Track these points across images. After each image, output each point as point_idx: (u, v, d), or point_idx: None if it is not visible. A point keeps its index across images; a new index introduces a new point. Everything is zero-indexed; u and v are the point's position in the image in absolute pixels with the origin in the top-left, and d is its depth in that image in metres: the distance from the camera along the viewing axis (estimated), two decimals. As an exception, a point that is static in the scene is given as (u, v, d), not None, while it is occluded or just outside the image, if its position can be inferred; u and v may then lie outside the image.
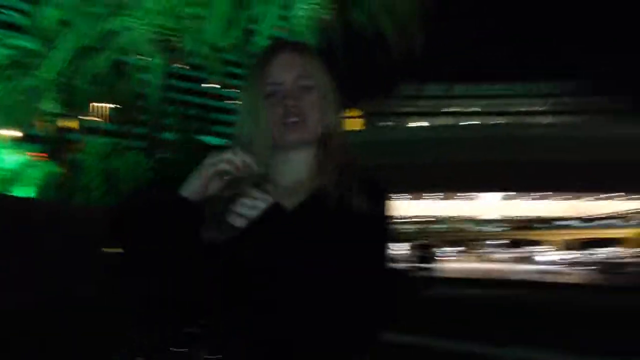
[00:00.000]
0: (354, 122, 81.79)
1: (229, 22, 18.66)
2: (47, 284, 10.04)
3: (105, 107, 26.92)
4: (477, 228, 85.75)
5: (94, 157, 11.60)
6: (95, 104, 27.10)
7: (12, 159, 13.51)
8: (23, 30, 23.21)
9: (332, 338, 1.29)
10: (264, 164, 1.33)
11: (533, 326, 9.33)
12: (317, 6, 17.81)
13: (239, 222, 1.24)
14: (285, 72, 1.40)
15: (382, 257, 1.36)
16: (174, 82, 61.60)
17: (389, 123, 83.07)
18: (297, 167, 1.43)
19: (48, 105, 24.33)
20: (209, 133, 32.48)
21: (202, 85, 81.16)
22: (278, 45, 1.46)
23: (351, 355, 1.32)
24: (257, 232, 1.27)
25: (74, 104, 26.66)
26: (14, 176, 12.79)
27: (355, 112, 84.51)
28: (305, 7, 17.69)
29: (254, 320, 1.32)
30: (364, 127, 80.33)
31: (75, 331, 7.30)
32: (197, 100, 74.97)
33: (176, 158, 17.28)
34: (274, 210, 1.28)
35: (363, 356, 1.34)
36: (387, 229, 1.40)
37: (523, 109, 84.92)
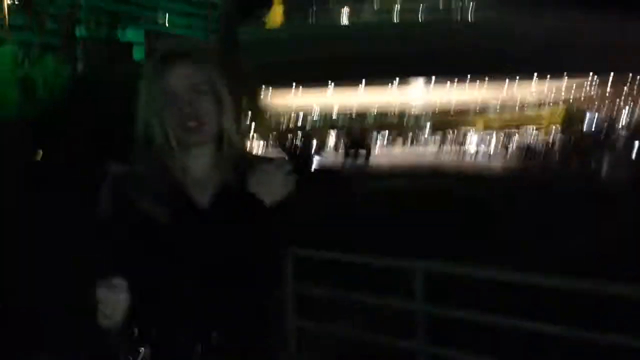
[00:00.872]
0: (278, 16, 79.63)
1: None
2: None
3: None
4: (404, 116, 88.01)
5: (5, 66, 11.03)
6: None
7: None
8: None
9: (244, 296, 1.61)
10: (171, 160, 1.59)
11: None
12: None
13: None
14: (180, 82, 1.58)
15: (278, 238, 1.62)
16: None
17: (311, 12, 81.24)
18: (201, 164, 1.64)
19: None
20: (126, 28, 30.72)
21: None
22: (172, 57, 1.63)
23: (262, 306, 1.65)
24: (176, 227, 1.55)
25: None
26: None
27: (279, 6, 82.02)
28: None
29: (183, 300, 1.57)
30: (286, 21, 78.46)
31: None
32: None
33: (97, 64, 16.53)
34: (188, 206, 1.60)
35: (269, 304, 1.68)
36: (282, 211, 1.61)
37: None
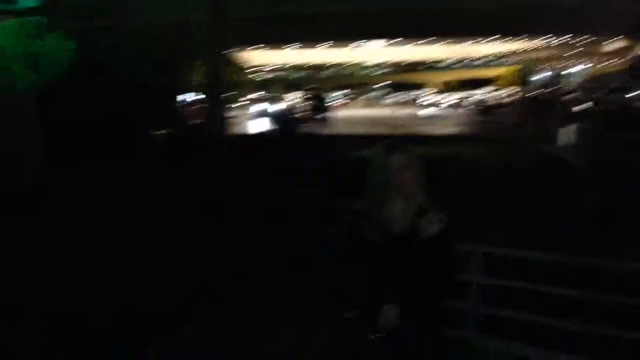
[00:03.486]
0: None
1: None
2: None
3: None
4: (362, 73, 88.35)
5: (9, 40, 10.97)
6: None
7: None
8: None
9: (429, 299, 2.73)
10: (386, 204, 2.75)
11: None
12: None
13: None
14: (401, 164, 2.69)
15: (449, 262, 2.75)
16: None
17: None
18: (399, 208, 2.75)
19: None
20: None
21: None
22: (394, 147, 2.74)
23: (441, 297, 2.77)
24: (382, 243, 2.77)
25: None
26: None
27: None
28: None
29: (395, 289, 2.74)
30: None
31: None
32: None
33: (106, 39, 16.26)
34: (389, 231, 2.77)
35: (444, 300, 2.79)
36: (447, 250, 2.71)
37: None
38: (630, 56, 76.88)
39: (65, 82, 11.56)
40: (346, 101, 71.86)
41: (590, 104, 38.25)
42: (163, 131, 17.16)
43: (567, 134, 18.42)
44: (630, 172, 13.15)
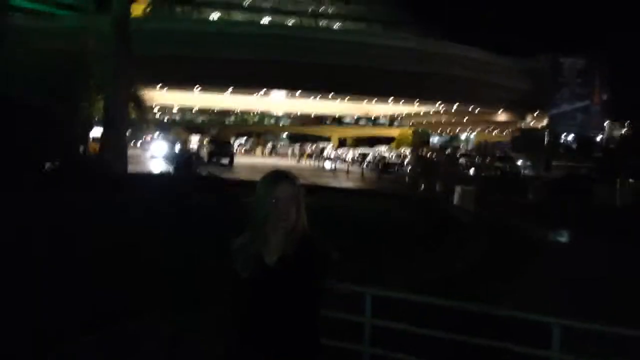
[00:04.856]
0: (141, 7, 76.72)
1: None
2: None
3: None
4: (265, 122, 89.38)
5: None
6: None
7: None
8: None
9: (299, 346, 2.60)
10: (261, 238, 2.62)
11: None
12: None
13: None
14: (284, 193, 2.60)
15: (317, 302, 2.67)
16: None
17: (179, 11, 79.37)
18: (278, 239, 2.62)
19: None
20: None
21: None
22: (280, 176, 2.66)
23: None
24: (253, 281, 2.62)
25: None
26: None
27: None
28: None
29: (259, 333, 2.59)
30: (153, 15, 75.98)
31: None
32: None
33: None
34: (262, 267, 2.62)
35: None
36: (324, 285, 2.67)
37: (312, 11, 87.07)
38: (513, 128, 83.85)
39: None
40: (249, 147, 72.13)
41: (476, 168, 41.00)
42: (55, 162, 16.37)
43: (456, 194, 19.54)
44: (508, 228, 14.43)
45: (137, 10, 73.89)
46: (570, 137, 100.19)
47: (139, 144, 52.21)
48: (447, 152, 61.92)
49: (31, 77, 15.90)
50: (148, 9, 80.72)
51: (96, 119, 23.41)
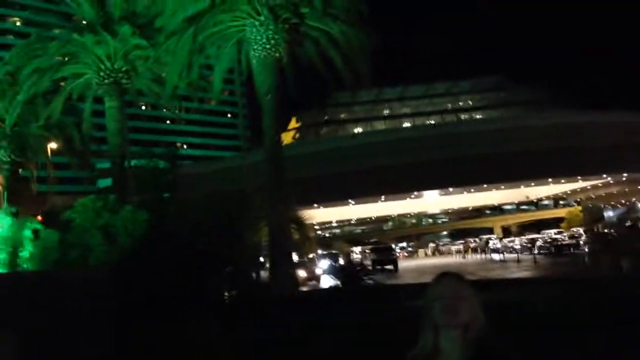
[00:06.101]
0: (290, 135, 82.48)
1: (188, 65, 19.36)
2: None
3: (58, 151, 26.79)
4: (423, 223, 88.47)
5: (87, 215, 11.83)
6: (50, 150, 26.92)
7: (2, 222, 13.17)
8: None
9: None
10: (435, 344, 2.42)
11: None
12: (268, 47, 18.71)
13: None
14: (450, 292, 2.42)
15: None
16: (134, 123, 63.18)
17: (326, 131, 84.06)
18: (450, 346, 2.40)
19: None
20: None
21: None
22: (444, 275, 2.52)
23: None
24: None
25: (28, 152, 26.47)
26: (13, 242, 12.55)
27: (294, 124, 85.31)
28: (258, 48, 18.54)
29: None
30: (301, 139, 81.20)
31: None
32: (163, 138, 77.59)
33: (173, 210, 17.27)
34: None
35: None
36: None
37: (452, 107, 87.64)
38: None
39: (137, 251, 12.12)
40: (410, 251, 71.36)
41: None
42: (231, 293, 17.33)
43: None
44: None
45: (287, 138, 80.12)
46: None
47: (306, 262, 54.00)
48: (627, 225, 56.25)
49: (201, 218, 17.32)
50: (297, 135, 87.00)
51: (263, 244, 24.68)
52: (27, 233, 12.56)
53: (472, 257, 48.62)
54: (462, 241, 63.72)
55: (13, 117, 22.17)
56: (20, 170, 25.73)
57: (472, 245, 56.67)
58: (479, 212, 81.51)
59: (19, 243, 12.51)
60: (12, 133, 23.66)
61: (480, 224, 79.16)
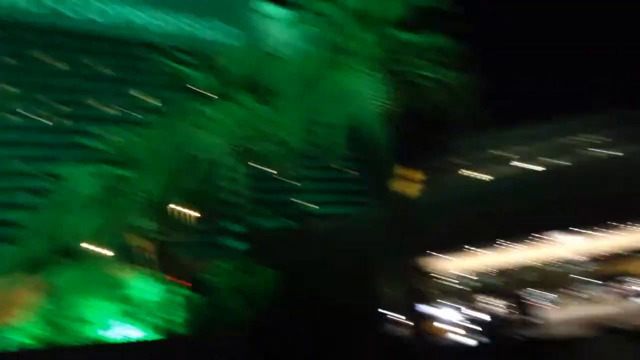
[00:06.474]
0: (412, 187, 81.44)
1: (301, 124, 20.02)
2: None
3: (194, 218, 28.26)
4: (564, 270, 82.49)
5: (224, 276, 12.21)
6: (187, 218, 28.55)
7: (154, 289, 13.91)
8: (114, 162, 25.34)
9: None
10: None
11: None
12: (380, 99, 19.00)
13: None
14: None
15: None
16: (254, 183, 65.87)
17: (448, 178, 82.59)
18: None
19: (145, 223, 25.99)
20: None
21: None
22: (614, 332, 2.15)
23: None
24: None
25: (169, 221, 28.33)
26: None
27: (416, 174, 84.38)
28: (375, 103, 18.89)
29: None
30: (424, 188, 79.97)
31: None
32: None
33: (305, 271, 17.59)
34: None
35: None
36: None
37: (581, 143, 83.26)
38: None
39: (270, 311, 12.20)
40: (555, 299, 66.53)
41: None
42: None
43: None
44: None
45: (411, 189, 79.34)
46: None
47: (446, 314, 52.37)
48: None
49: (336, 275, 17.31)
50: (420, 186, 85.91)
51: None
52: (179, 299, 13.14)
53: (628, 303, 44.61)
54: (613, 286, 58.91)
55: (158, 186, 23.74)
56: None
57: (628, 290, 52.06)
58: (627, 255, 74.95)
59: (171, 308, 13.07)
60: (155, 204, 25.34)
61: (634, 269, 72.48)
